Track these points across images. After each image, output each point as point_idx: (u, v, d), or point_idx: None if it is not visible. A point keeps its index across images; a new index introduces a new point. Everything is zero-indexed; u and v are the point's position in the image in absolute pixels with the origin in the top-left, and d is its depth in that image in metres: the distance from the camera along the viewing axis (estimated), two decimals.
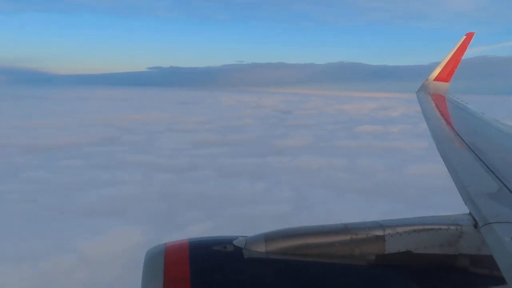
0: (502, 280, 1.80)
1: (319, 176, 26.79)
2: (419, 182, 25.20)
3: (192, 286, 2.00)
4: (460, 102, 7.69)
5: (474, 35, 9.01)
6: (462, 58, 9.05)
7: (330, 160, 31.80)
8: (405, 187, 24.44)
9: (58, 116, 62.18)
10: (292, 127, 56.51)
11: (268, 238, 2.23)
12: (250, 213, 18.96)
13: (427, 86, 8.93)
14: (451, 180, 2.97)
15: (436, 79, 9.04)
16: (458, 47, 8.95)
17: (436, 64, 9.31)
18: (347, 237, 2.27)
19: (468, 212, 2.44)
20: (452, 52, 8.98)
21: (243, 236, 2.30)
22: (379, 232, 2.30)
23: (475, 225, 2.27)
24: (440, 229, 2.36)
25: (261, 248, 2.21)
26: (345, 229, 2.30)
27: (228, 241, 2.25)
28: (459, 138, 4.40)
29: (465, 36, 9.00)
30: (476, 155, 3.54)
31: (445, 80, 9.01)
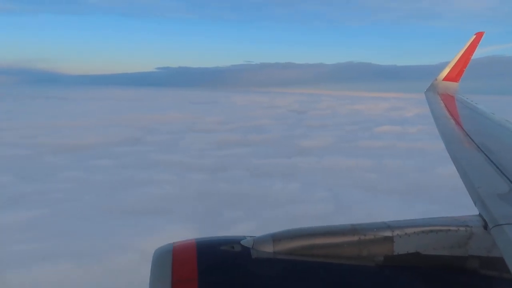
0: None
1: (350, 177, 27.06)
2: (450, 182, 25.35)
3: (200, 285, 2.00)
4: (469, 102, 7.58)
5: (484, 34, 8.96)
6: (472, 58, 8.99)
7: (357, 161, 32.06)
8: (438, 188, 24.60)
9: (77, 117, 62.98)
10: (310, 127, 56.75)
11: (276, 238, 2.23)
12: (291, 213, 19.29)
13: (436, 86, 8.87)
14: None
15: (445, 79, 8.99)
16: (468, 47, 8.91)
17: (446, 64, 9.26)
18: (355, 238, 2.25)
19: (477, 213, 2.41)
20: (462, 52, 8.94)
21: (250, 236, 2.30)
22: (388, 233, 2.28)
23: (485, 227, 2.25)
24: (449, 230, 2.32)
25: (268, 248, 2.20)
26: (353, 229, 2.29)
27: (235, 241, 2.25)
28: (468, 138, 4.34)
29: (474, 36, 8.95)
30: (486, 155, 3.50)
31: (455, 80, 8.96)
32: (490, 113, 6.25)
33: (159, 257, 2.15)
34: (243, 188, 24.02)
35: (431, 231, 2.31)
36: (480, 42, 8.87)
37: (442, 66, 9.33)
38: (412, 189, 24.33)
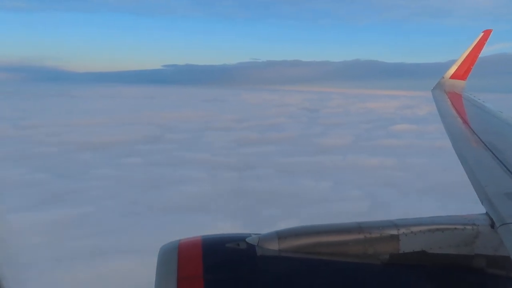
0: None
1: (378, 176, 27.40)
2: None
3: (205, 282, 2.01)
4: (477, 100, 7.52)
5: (492, 32, 8.86)
6: (481, 56, 8.90)
7: (381, 159, 32.37)
8: (467, 186, 24.87)
9: (93, 114, 63.56)
10: (326, 125, 56.96)
11: (281, 236, 2.24)
12: (328, 211, 19.67)
13: (443, 84, 8.78)
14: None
15: (453, 77, 8.88)
16: (475, 45, 8.81)
17: (454, 61, 9.19)
18: (361, 236, 2.24)
19: (484, 212, 2.41)
20: (469, 50, 8.85)
21: (256, 234, 2.29)
22: (393, 231, 2.27)
23: (492, 225, 2.26)
24: (455, 229, 2.31)
25: (274, 246, 2.20)
26: (359, 228, 2.28)
27: (241, 239, 2.25)
28: (476, 136, 4.32)
29: (482, 33, 8.83)
30: (494, 154, 3.48)
31: (462, 78, 8.86)
32: (498, 111, 6.20)
33: (165, 253, 2.16)
34: (274, 186, 24.41)
35: (438, 229, 2.29)
36: (488, 40, 8.78)
37: (451, 64, 9.26)
38: (443, 187, 24.60)
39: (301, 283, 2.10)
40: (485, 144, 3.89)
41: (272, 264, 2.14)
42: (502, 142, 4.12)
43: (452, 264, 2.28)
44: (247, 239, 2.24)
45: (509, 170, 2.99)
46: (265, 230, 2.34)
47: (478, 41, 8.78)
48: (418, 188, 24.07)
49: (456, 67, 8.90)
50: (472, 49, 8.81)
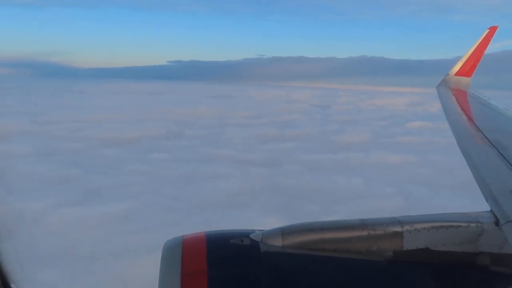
0: None
1: (405, 172, 27.64)
2: None
3: (209, 278, 2.02)
4: (482, 97, 7.43)
5: (499, 29, 8.71)
6: (487, 53, 8.76)
7: (404, 157, 32.58)
8: None
9: (107, 110, 63.88)
10: (341, 122, 57.08)
11: (285, 232, 2.23)
12: (365, 207, 19.91)
13: (448, 81, 8.69)
14: None
15: (458, 73, 8.77)
16: (481, 41, 8.71)
17: (460, 58, 9.04)
18: (365, 233, 2.24)
19: (489, 209, 2.40)
20: (475, 46, 8.73)
21: (259, 230, 2.29)
22: (397, 228, 2.26)
23: (496, 223, 2.25)
24: (459, 226, 2.29)
25: (277, 242, 2.20)
26: (363, 224, 2.27)
27: (245, 235, 2.25)
28: (480, 134, 4.26)
29: (488, 30, 8.73)
30: (499, 151, 3.44)
31: (467, 75, 8.75)
32: (503, 109, 6.13)
33: (169, 249, 2.16)
34: (306, 183, 24.69)
35: (442, 226, 2.28)
36: (494, 37, 8.66)
37: (457, 60, 9.14)
38: (472, 184, 24.80)
39: (305, 279, 2.11)
40: (490, 142, 3.84)
41: (275, 260, 2.14)
42: (508, 139, 4.11)
43: (456, 262, 2.27)
44: (251, 235, 2.24)
45: None
46: None
47: (484, 38, 8.72)
48: (447, 185, 24.26)
49: (461, 64, 8.82)
50: (478, 45, 8.72)
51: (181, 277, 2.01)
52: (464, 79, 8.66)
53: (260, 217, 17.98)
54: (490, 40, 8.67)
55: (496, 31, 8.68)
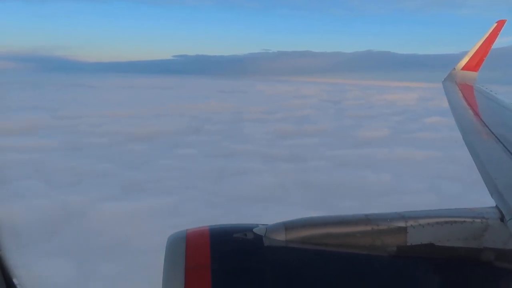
0: None
1: (432, 168, 27.86)
2: None
3: (213, 272, 2.04)
4: (488, 92, 7.39)
5: (507, 22, 8.65)
6: (494, 47, 8.71)
7: (428, 152, 32.77)
8: None
9: (121, 105, 64.19)
10: (356, 118, 57.11)
11: (288, 226, 2.24)
12: (401, 203, 20.12)
13: (455, 75, 8.66)
14: None
15: (464, 68, 8.74)
16: (488, 35, 8.61)
17: (467, 53, 9.01)
18: (368, 228, 2.24)
19: (494, 205, 2.40)
20: (482, 40, 8.65)
21: (263, 224, 2.31)
22: (401, 224, 2.26)
23: (502, 219, 2.26)
24: (464, 222, 2.28)
25: (281, 237, 2.21)
26: (367, 219, 2.28)
27: (248, 229, 2.26)
28: (486, 129, 4.27)
29: (496, 24, 8.64)
30: (505, 147, 3.42)
31: (474, 69, 8.71)
32: (510, 104, 6.12)
33: (173, 243, 2.18)
34: (337, 178, 24.94)
35: (446, 222, 2.28)
36: (503, 31, 8.57)
37: (464, 55, 9.13)
38: None
39: (308, 274, 2.11)
40: (496, 137, 3.83)
41: (278, 254, 2.15)
42: None
43: (460, 257, 2.26)
44: (254, 230, 2.26)
45: None
46: None
47: (492, 32, 8.64)
48: (479, 181, 24.41)
49: (468, 58, 8.79)
50: (485, 39, 8.64)
51: (185, 271, 2.02)
52: (471, 74, 8.65)
53: (300, 212, 18.21)
54: (498, 34, 8.60)
55: (504, 25, 8.61)
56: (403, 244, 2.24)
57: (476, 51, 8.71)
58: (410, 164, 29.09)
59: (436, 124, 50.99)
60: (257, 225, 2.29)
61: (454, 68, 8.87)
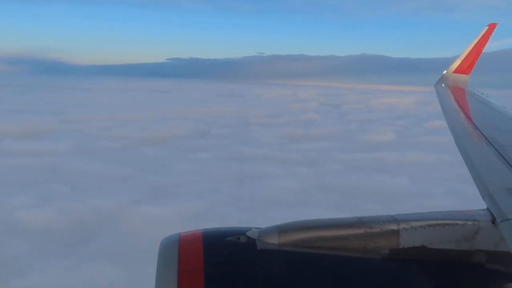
0: None
1: (446, 171, 28.16)
2: None
3: (206, 276, 2.03)
4: (480, 95, 7.42)
5: (499, 27, 8.70)
6: (486, 51, 8.73)
7: (438, 156, 33.13)
8: None
9: (124, 109, 63.93)
10: (360, 121, 57.56)
11: (282, 230, 2.23)
12: (424, 206, 20.44)
13: (446, 78, 8.67)
14: None
15: (456, 71, 8.77)
16: (480, 38, 8.65)
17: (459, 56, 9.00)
18: (361, 231, 2.24)
19: (485, 207, 2.41)
20: (474, 43, 8.67)
21: (256, 228, 2.30)
22: (394, 226, 2.26)
23: (493, 221, 2.26)
24: (456, 224, 2.28)
25: (274, 240, 2.21)
26: (359, 222, 2.28)
27: (241, 232, 2.25)
28: (478, 131, 4.27)
29: (487, 27, 8.69)
30: (496, 149, 3.45)
31: (465, 72, 8.72)
32: (501, 107, 6.15)
33: (166, 246, 2.17)
34: (354, 181, 25.18)
35: (438, 224, 2.28)
36: (495, 35, 8.61)
37: (457, 59, 9.10)
38: None
39: (301, 277, 2.11)
40: (487, 139, 3.86)
41: (272, 258, 2.15)
42: (505, 137, 4.11)
43: (452, 260, 2.27)
44: (247, 233, 2.24)
45: (511, 166, 2.99)
46: None
47: (483, 35, 8.68)
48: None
49: (460, 61, 8.81)
50: (477, 42, 8.67)
51: (178, 275, 2.02)
52: (463, 77, 8.69)
53: (327, 214, 18.38)
54: (489, 37, 8.66)
55: (495, 28, 8.67)
56: (395, 247, 2.24)
57: (468, 54, 8.78)
58: (424, 167, 29.46)
59: (440, 127, 51.54)
60: (250, 229, 2.28)
61: (446, 71, 8.98)
